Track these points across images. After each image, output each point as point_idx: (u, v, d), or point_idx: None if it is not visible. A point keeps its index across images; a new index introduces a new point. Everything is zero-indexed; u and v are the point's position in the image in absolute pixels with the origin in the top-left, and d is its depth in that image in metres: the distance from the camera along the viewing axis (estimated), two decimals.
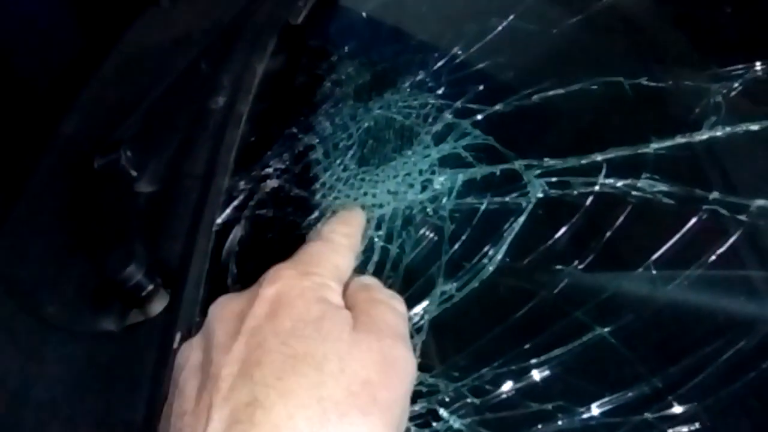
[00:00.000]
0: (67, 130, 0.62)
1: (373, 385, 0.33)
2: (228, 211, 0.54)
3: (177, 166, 0.57)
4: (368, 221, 0.48)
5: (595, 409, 0.37)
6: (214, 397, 0.32)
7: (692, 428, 0.36)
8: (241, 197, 0.54)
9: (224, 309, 0.37)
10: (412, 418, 0.40)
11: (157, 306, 0.49)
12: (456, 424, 0.39)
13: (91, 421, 0.44)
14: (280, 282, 0.36)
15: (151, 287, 0.49)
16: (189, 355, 0.38)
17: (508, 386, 0.39)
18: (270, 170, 0.56)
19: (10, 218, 0.56)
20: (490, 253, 0.43)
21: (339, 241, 0.41)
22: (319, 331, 0.34)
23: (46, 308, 0.51)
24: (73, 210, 0.56)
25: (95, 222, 0.54)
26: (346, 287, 0.40)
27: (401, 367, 0.35)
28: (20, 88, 0.65)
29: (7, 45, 0.71)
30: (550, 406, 0.37)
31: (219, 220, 0.53)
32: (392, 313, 0.37)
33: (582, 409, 0.37)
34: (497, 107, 0.51)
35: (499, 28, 0.55)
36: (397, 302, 0.39)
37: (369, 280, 0.41)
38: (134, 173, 0.56)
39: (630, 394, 0.37)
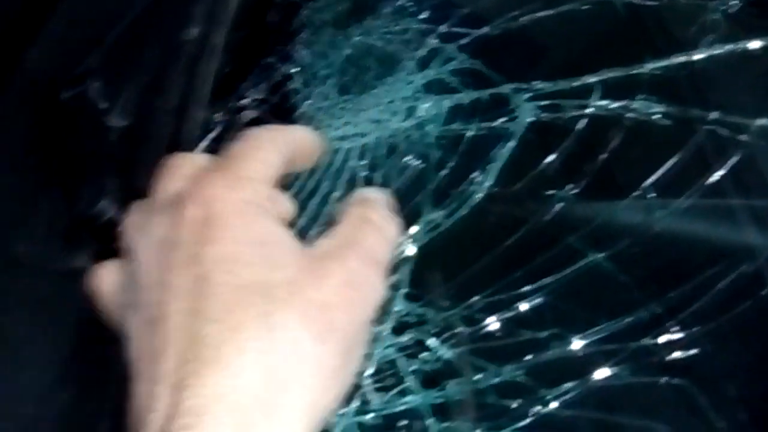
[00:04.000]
0: (33, 61, 0.59)
1: (330, 309, 0.30)
2: (204, 143, 0.52)
3: (150, 98, 0.55)
4: (351, 152, 0.46)
5: (590, 337, 0.36)
6: (161, 338, 0.29)
7: (692, 353, 0.35)
8: (218, 129, 0.53)
9: (144, 232, 0.33)
10: (400, 349, 0.39)
11: None
12: (446, 354, 0.38)
13: (63, 359, 0.43)
14: (206, 195, 0.32)
15: None
16: (111, 288, 0.36)
17: (499, 315, 0.38)
18: (247, 101, 0.54)
19: None
20: (479, 179, 0.42)
21: (261, 137, 0.36)
22: (266, 256, 0.31)
23: (16, 246, 0.49)
24: (42, 144, 0.54)
25: (65, 157, 0.52)
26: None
27: (365, 291, 0.32)
28: None
29: None
30: (544, 334, 0.36)
31: (197, 152, 0.51)
32: (375, 236, 0.34)
33: (577, 337, 0.36)
34: (484, 30, 0.49)
35: None
36: (389, 225, 0.36)
37: (374, 194, 0.37)
38: (104, 105, 0.54)
39: (627, 320, 0.36)
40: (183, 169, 0.35)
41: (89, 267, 0.47)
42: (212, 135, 0.53)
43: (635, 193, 0.39)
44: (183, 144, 0.52)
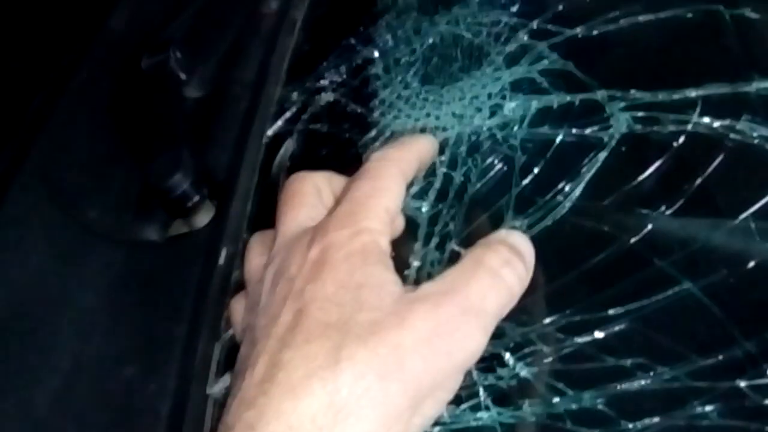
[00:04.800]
0: (116, 25, 0.60)
1: (404, 350, 0.31)
2: (279, 123, 0.52)
3: (227, 71, 0.55)
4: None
5: (679, 370, 0.34)
6: (253, 359, 0.33)
7: None
8: (293, 109, 0.52)
9: (268, 264, 0.37)
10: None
11: (203, 218, 0.48)
12: (523, 371, 0.36)
13: (131, 332, 0.43)
14: (328, 242, 0.35)
15: (197, 198, 0.47)
16: (239, 316, 0.40)
17: (582, 336, 0.36)
18: (325, 83, 0.54)
19: (53, 116, 0.54)
20: (566, 189, 0.40)
21: (387, 175, 0.38)
22: (357, 299, 0.33)
23: (88, 213, 0.49)
24: (119, 111, 0.54)
25: (141, 125, 0.52)
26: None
27: (455, 342, 0.32)
28: None
29: None
30: (628, 362, 0.35)
31: (269, 132, 0.51)
32: (488, 282, 0.34)
33: (664, 369, 0.34)
34: (578, 30, 0.47)
35: None
36: (511, 272, 0.35)
37: (513, 237, 0.37)
38: (183, 76, 0.54)
39: (720, 357, 0.34)
40: (307, 202, 0.39)
41: (159, 240, 0.48)
42: (287, 115, 0.52)
43: (736, 220, 0.37)
44: (257, 121, 0.51)
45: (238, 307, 0.40)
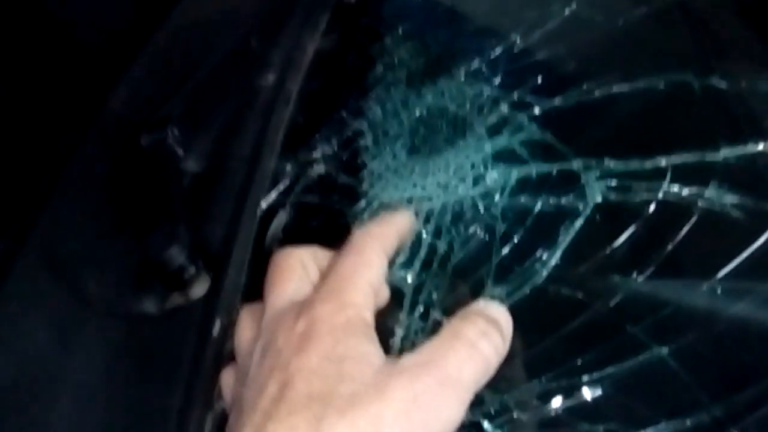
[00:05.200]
0: (115, 106, 0.61)
1: (383, 423, 0.32)
2: (273, 195, 0.53)
3: (224, 145, 0.56)
4: (417, 216, 0.46)
5: None
6: (240, 429, 0.34)
7: None
8: (287, 181, 0.53)
9: (261, 342, 0.38)
10: None
11: (199, 290, 0.48)
12: None
13: (128, 406, 0.44)
14: (314, 317, 0.36)
15: (192, 270, 0.47)
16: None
17: (557, 403, 0.37)
18: (317, 155, 0.55)
19: (54, 193, 0.55)
20: (544, 257, 0.41)
21: (369, 250, 0.40)
22: (339, 370, 0.34)
23: (87, 287, 0.50)
24: (119, 187, 0.55)
25: (139, 201, 0.53)
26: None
27: (432, 414, 0.33)
28: (72, 57, 0.65)
29: (64, 10, 0.70)
30: (601, 429, 0.36)
31: (264, 205, 0.52)
32: (465, 354, 0.35)
33: None
34: (556, 101, 0.49)
35: (562, 15, 0.53)
36: (485, 343, 0.36)
37: (490, 309, 0.38)
38: (181, 152, 0.55)
39: (688, 422, 0.35)
40: (294, 277, 0.40)
41: (156, 313, 0.49)
42: (281, 187, 0.53)
43: (704, 284, 0.38)
44: (253, 194, 0.52)
45: (228, 378, 0.41)
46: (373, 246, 0.40)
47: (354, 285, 0.38)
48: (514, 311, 0.38)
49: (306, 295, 0.39)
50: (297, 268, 0.41)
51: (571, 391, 0.37)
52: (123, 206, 0.54)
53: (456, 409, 0.33)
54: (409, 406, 0.32)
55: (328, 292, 0.38)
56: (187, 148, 0.55)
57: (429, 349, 0.35)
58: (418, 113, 0.54)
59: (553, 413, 0.37)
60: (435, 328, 0.40)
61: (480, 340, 0.36)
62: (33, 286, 0.50)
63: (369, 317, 0.37)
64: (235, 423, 0.35)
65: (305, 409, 0.32)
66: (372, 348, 0.36)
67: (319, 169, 0.54)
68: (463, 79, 0.54)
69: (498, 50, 0.54)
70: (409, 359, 0.35)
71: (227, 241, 0.50)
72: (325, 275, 0.40)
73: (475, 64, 0.54)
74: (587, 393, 0.37)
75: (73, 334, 0.47)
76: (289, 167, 0.54)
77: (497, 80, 0.53)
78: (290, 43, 0.59)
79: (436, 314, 0.42)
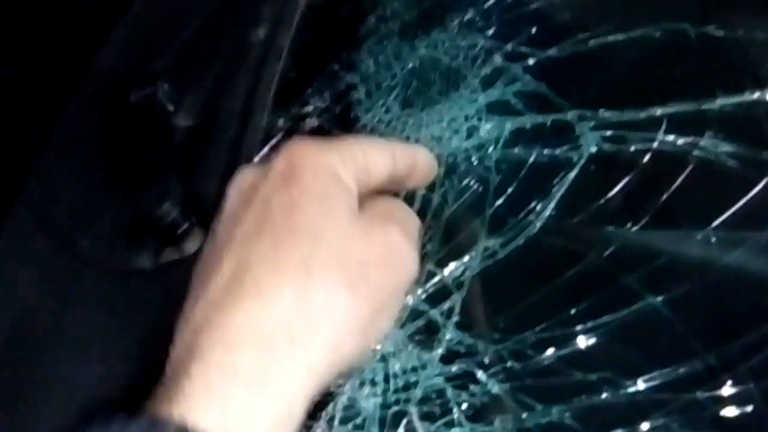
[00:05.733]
0: (104, 62, 0.60)
1: (368, 266, 0.33)
2: (266, 149, 0.52)
3: (215, 100, 0.56)
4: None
5: (642, 384, 0.35)
6: (217, 261, 0.33)
7: (745, 410, 0.34)
8: (279, 136, 0.53)
9: (242, 180, 0.38)
10: (448, 379, 0.39)
11: (192, 245, 0.48)
12: (494, 388, 0.37)
13: (124, 360, 0.44)
14: (296, 154, 0.36)
15: (186, 225, 0.47)
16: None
17: (550, 352, 0.37)
18: (310, 109, 0.55)
19: (44, 151, 0.55)
20: (538, 208, 0.41)
21: (378, 142, 0.41)
22: (322, 205, 0.34)
23: (80, 244, 0.50)
24: (109, 144, 0.55)
25: (131, 157, 0.53)
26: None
27: (403, 260, 0.35)
28: (60, 12, 0.64)
29: None
30: (594, 377, 0.36)
31: (256, 159, 0.51)
32: (405, 212, 0.38)
33: (628, 383, 0.35)
34: (550, 52, 0.48)
35: None
36: (411, 216, 0.39)
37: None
38: (171, 107, 0.55)
39: (681, 370, 0.35)
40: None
41: (150, 268, 0.49)
42: (273, 142, 0.53)
43: (698, 234, 0.38)
44: (245, 149, 0.52)
45: None
46: (381, 142, 0.41)
47: (347, 144, 0.37)
48: (509, 263, 0.39)
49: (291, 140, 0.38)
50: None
51: (565, 340, 0.37)
52: (114, 162, 0.53)
53: (416, 257, 0.36)
54: (386, 253, 0.34)
55: (316, 141, 0.37)
56: (177, 104, 0.55)
57: (380, 206, 0.37)
58: (411, 65, 0.53)
59: (546, 362, 0.37)
60: (428, 279, 0.40)
61: (409, 215, 0.39)
62: (24, 244, 0.49)
63: (352, 172, 0.36)
64: (211, 253, 0.35)
65: (291, 244, 0.32)
66: (352, 195, 0.36)
67: (312, 122, 0.54)
68: (456, 30, 0.53)
69: (491, 0, 0.53)
70: (371, 212, 0.36)
71: (220, 196, 0.47)
72: None
73: (469, 14, 0.54)
74: (581, 342, 0.37)
75: (67, 290, 0.47)
76: (281, 121, 0.55)
77: (491, 31, 0.52)
78: None
79: (430, 265, 0.42)
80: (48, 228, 0.50)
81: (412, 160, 0.41)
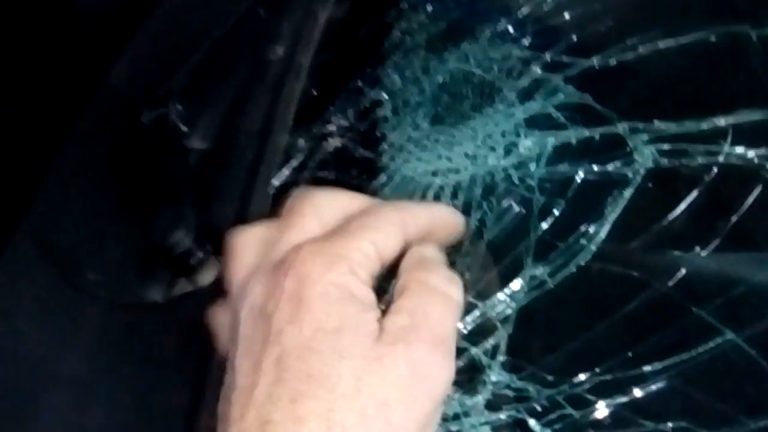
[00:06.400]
0: (115, 81, 0.59)
1: (390, 407, 0.31)
2: (286, 172, 0.51)
3: (231, 121, 0.54)
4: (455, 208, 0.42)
5: None
6: (240, 408, 0.32)
7: None
8: (300, 157, 0.52)
9: (246, 293, 0.35)
10: (495, 429, 0.35)
11: (208, 276, 0.46)
12: None
13: (131, 402, 0.42)
14: (302, 271, 0.33)
15: (201, 254, 0.46)
16: (224, 327, 0.38)
17: (613, 398, 0.33)
18: (333, 128, 0.53)
19: (50, 174, 0.53)
20: (590, 232, 0.38)
21: (387, 216, 0.36)
22: (336, 345, 0.32)
23: (86, 276, 0.48)
24: (119, 168, 0.53)
25: (142, 181, 0.51)
26: (402, 256, 0.37)
27: (431, 380, 0.33)
28: (70, 30, 0.62)
29: None
30: (669, 427, 0.31)
31: (276, 182, 0.50)
32: (442, 306, 0.34)
33: None
34: (594, 60, 0.45)
35: None
36: (454, 288, 0.35)
37: (430, 252, 0.37)
38: (185, 128, 0.53)
39: None
40: (305, 223, 0.36)
41: (162, 301, 0.46)
42: (294, 164, 0.51)
43: None
44: (263, 171, 0.50)
45: (221, 318, 0.38)
46: (391, 214, 0.36)
47: (354, 240, 0.34)
48: (559, 293, 0.36)
49: (296, 244, 0.35)
50: (308, 219, 0.37)
51: (630, 384, 0.33)
52: (124, 188, 0.52)
53: (450, 367, 0.33)
54: (410, 382, 0.32)
55: (322, 245, 0.34)
56: (191, 125, 0.54)
57: (408, 307, 0.34)
58: (440, 80, 0.51)
59: (610, 410, 0.33)
60: (467, 312, 0.37)
61: (449, 286, 0.35)
62: (25, 275, 0.48)
63: (365, 276, 0.34)
64: (232, 390, 0.33)
65: (309, 398, 0.31)
66: (368, 315, 0.33)
67: (334, 142, 0.52)
68: (488, 41, 0.51)
69: (525, 9, 0.51)
70: (393, 323, 0.33)
71: (237, 222, 0.46)
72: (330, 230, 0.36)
73: (501, 25, 0.51)
74: (649, 386, 0.33)
75: (68, 327, 0.45)
76: (302, 142, 0.52)
77: (526, 41, 0.50)
78: (300, 12, 0.57)
79: (469, 298, 0.38)
80: (51, 257, 0.48)
81: (428, 223, 0.38)
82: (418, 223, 0.37)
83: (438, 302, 0.34)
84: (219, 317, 0.39)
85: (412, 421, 0.31)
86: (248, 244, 0.38)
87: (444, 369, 0.33)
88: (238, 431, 0.31)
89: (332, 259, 0.33)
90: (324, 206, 0.37)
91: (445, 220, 0.39)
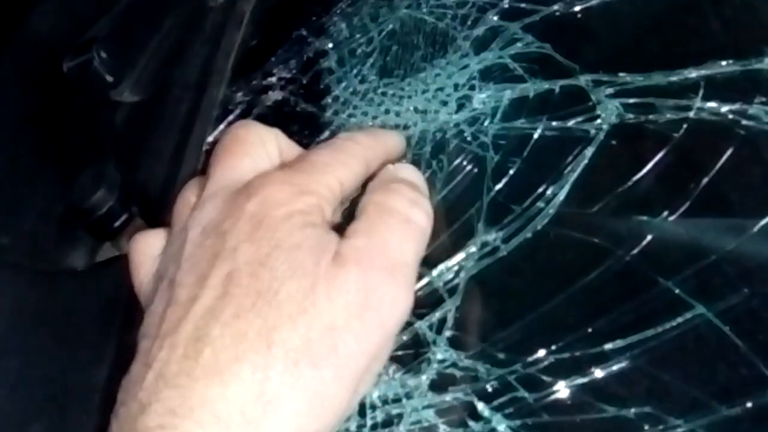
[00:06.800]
0: (35, 25, 0.57)
1: (336, 332, 0.31)
2: (221, 127, 0.49)
3: (164, 72, 0.53)
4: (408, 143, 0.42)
5: (696, 421, 0.28)
6: (174, 323, 0.31)
7: None
8: (237, 111, 0.50)
9: (199, 212, 0.35)
10: (440, 413, 0.32)
11: None
12: (500, 426, 0.31)
13: (46, 379, 0.40)
14: (269, 197, 0.33)
15: (125, 216, 0.44)
16: (150, 257, 0.37)
17: (571, 379, 0.31)
18: (273, 80, 0.51)
19: None
20: (548, 194, 0.36)
21: (351, 153, 0.37)
22: (290, 262, 0.31)
23: (1, 238, 0.47)
24: (37, 121, 0.52)
25: (62, 136, 0.50)
26: (372, 177, 0.37)
27: (384, 309, 0.32)
28: None
29: None
30: (632, 413, 0.29)
31: (210, 139, 0.48)
32: (401, 230, 0.34)
33: (677, 421, 0.28)
34: (555, 7, 0.43)
35: None
36: (417, 212, 0.35)
37: (404, 172, 0.37)
38: (110, 78, 0.52)
39: (749, 404, 0.28)
40: (252, 152, 0.37)
41: (82, 268, 0.45)
42: (230, 118, 0.49)
43: (758, 224, 0.31)
44: (198, 127, 0.49)
45: (144, 245, 0.37)
46: (356, 151, 0.37)
47: (322, 175, 0.35)
48: (514, 260, 0.33)
49: (262, 173, 0.36)
50: (256, 144, 0.37)
51: (590, 363, 0.31)
52: (43, 143, 0.50)
53: (407, 298, 0.33)
54: (361, 308, 0.31)
55: (290, 174, 0.35)
56: (119, 75, 0.53)
57: (362, 230, 0.33)
58: (390, 28, 0.49)
59: (567, 392, 0.31)
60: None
61: (412, 210, 0.34)
62: None
63: (328, 211, 0.35)
64: (165, 308, 0.32)
65: (252, 313, 0.30)
66: (328, 236, 0.33)
67: (275, 95, 0.50)
68: None
69: None
70: (347, 245, 0.33)
71: (167, 182, 0.47)
72: (290, 162, 0.37)
73: None
74: (611, 366, 0.30)
75: None
76: (240, 95, 0.51)
77: None
78: None
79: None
80: None
81: (384, 153, 0.39)
82: (376, 155, 0.38)
83: (397, 226, 0.34)
84: (143, 241, 0.38)
85: (359, 352, 0.31)
86: (192, 183, 0.38)
87: (399, 298, 0.32)
88: (167, 344, 0.30)
89: (301, 189, 0.34)
90: (269, 140, 0.38)
91: (395, 146, 0.40)
